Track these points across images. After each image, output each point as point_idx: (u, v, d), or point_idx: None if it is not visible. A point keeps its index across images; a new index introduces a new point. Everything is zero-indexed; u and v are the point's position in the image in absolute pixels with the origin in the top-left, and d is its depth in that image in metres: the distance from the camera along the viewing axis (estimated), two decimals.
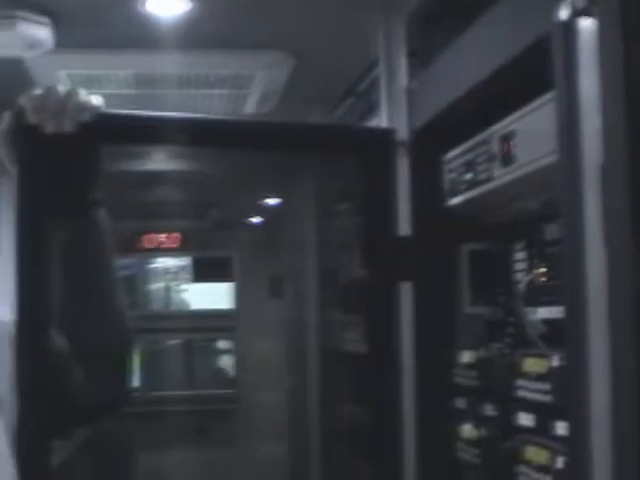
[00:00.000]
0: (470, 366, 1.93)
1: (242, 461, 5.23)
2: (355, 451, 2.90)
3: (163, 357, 6.35)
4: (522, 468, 1.64)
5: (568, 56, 1.26)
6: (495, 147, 1.72)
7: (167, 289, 6.49)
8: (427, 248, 2.01)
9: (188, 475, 5.27)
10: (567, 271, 1.28)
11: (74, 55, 3.07)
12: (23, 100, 1.40)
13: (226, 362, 6.51)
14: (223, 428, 5.89)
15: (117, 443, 5.23)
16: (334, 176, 3.29)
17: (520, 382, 1.67)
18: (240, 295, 6.40)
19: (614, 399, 1.19)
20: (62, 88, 1.41)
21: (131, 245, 6.36)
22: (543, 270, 1.74)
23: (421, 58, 2.09)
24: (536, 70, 1.38)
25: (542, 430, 1.58)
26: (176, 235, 6.50)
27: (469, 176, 1.86)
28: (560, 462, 1.48)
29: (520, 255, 1.85)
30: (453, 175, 1.95)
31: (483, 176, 1.78)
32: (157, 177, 4.66)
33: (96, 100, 1.45)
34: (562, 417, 1.46)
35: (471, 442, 1.89)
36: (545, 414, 1.58)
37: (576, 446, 1.25)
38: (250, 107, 3.61)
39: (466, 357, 1.95)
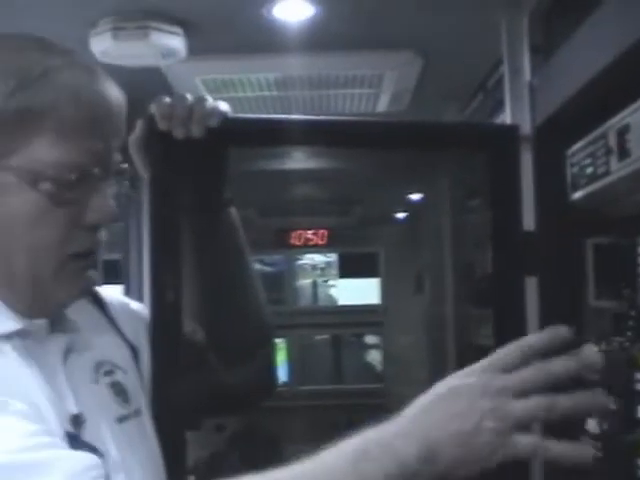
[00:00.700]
0: None
1: None
2: None
3: (311, 352, 6.44)
4: None
5: None
6: (611, 141, 1.72)
7: (314, 285, 6.56)
8: (552, 243, 2.01)
9: None
10: None
11: (207, 62, 3.15)
12: (153, 108, 1.41)
13: (373, 357, 6.54)
14: (370, 422, 5.92)
15: (266, 436, 5.36)
16: (466, 172, 3.30)
17: None
18: (386, 290, 6.42)
19: None
20: (190, 96, 1.42)
21: (279, 242, 6.50)
22: None
23: (543, 54, 2.10)
24: None
25: None
26: (323, 231, 6.56)
27: (590, 170, 1.85)
28: None
29: None
30: (575, 169, 1.95)
31: (602, 169, 1.78)
32: (300, 175, 4.73)
33: (223, 106, 1.44)
34: None
35: (594, 436, 1.88)
36: None
37: None
38: (383, 106, 3.64)
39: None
